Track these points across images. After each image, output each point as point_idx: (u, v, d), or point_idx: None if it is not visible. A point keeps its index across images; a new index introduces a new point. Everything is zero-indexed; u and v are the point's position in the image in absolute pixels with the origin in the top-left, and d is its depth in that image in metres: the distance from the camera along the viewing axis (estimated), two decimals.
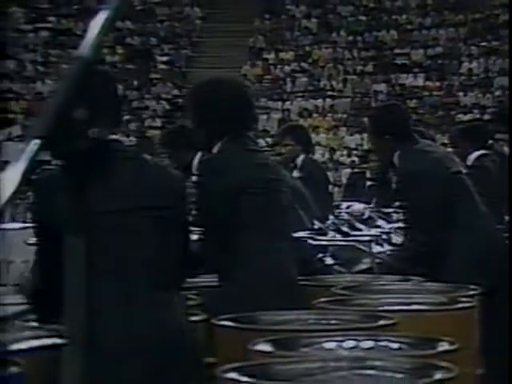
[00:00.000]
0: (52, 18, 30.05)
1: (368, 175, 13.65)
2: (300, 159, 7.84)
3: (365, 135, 26.88)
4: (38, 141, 1.50)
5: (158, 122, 26.94)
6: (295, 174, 7.58)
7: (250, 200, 4.05)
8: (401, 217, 6.30)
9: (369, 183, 12.82)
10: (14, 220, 13.80)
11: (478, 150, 7.20)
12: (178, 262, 3.21)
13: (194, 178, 4.34)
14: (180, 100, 27.34)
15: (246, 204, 4.03)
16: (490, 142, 7.64)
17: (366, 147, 21.89)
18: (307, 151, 8.10)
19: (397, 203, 7.02)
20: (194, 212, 4.09)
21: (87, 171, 1.59)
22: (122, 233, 2.95)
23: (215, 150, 4.15)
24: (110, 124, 2.71)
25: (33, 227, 2.89)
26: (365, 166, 14.14)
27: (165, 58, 30.11)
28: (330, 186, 12.60)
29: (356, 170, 16.11)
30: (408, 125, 5.58)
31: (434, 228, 5.32)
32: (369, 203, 9.26)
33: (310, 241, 5.55)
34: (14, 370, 2.57)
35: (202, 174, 4.22)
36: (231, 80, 4.69)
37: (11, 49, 28.94)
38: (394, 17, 30.76)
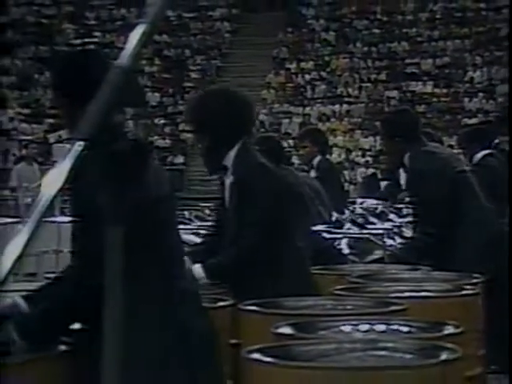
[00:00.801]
0: (97, 33, 30.17)
1: (379, 175, 13.60)
2: (316, 160, 7.84)
3: (378, 137, 26.85)
4: (81, 143, 1.50)
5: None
6: (312, 173, 7.59)
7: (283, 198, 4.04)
8: (411, 212, 6.29)
9: (383, 182, 12.80)
10: (63, 213, 13.82)
11: (484, 149, 7.18)
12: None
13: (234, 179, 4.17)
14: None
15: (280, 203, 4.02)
16: (495, 142, 7.64)
17: (378, 148, 21.83)
18: (323, 152, 8.11)
19: (407, 199, 7.01)
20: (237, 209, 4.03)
21: (125, 169, 1.60)
22: (155, 219, 2.92)
23: (231, 157, 4.05)
24: (143, 126, 2.72)
25: (75, 219, 2.87)
26: (377, 165, 14.08)
27: (197, 68, 30.15)
28: (346, 184, 12.60)
29: (370, 170, 16.06)
30: (417, 128, 5.57)
31: (442, 222, 5.32)
32: (381, 199, 9.24)
33: (328, 233, 5.55)
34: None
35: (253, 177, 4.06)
36: (228, 89, 4.54)
37: None
38: (404, 30, 30.68)
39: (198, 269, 3.94)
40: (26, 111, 28.87)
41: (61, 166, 1.51)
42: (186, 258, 3.27)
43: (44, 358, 2.71)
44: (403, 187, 6.44)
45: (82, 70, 3.09)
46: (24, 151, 23.20)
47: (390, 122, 5.72)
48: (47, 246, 10.47)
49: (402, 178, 6.66)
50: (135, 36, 1.53)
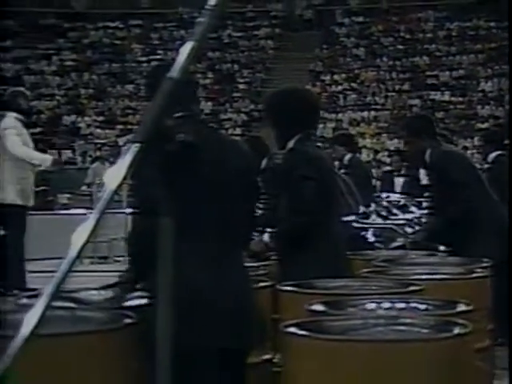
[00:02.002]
0: (160, 52, 30.34)
1: (402, 171, 13.50)
2: (347, 158, 7.83)
3: (402, 140, 26.68)
4: (138, 144, 1.50)
5: (238, 131, 27.02)
6: (342, 170, 7.58)
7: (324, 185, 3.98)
8: (429, 204, 6.23)
9: (403, 178, 12.71)
10: (129, 205, 13.93)
11: (497, 150, 7.14)
12: (248, 227, 3.14)
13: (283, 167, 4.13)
14: (255, 113, 27.41)
15: (323, 189, 3.95)
16: (505, 143, 7.60)
17: (402, 149, 21.70)
18: (353, 152, 8.12)
19: (426, 193, 6.95)
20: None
21: (176, 166, 1.60)
22: (204, 204, 2.89)
23: (290, 146, 4.02)
24: (192, 130, 2.69)
25: (135, 207, 2.87)
26: (399, 164, 13.98)
27: (244, 80, 30.19)
28: (373, 180, 12.53)
29: (393, 168, 15.95)
30: (434, 130, 5.56)
31: (457, 212, 5.27)
32: (403, 193, 9.19)
33: (356, 223, 5.52)
34: None
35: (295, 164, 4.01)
36: (301, 89, 4.57)
37: (131, 75, 29.31)
38: (425, 46, 30.50)
39: (265, 235, 3.98)
40: (100, 118, 29.13)
41: (121, 164, 1.51)
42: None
43: (111, 329, 2.70)
44: (423, 182, 6.38)
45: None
46: (98, 152, 23.41)
47: (411, 125, 5.72)
48: (116, 234, 10.54)
49: (422, 174, 6.62)
50: (185, 51, 1.53)
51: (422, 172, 6.83)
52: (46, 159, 8.03)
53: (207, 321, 2.79)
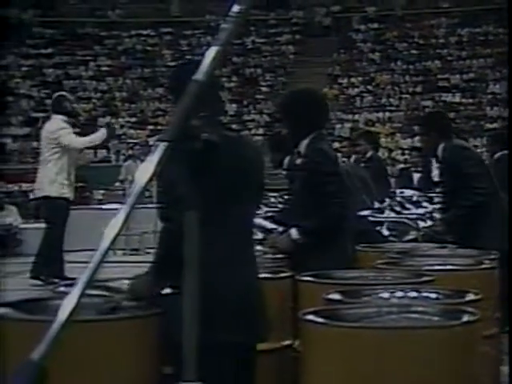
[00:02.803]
0: (189, 56, 30.40)
1: (414, 168, 13.42)
2: (369, 155, 7.80)
3: (415, 139, 26.61)
4: (165, 143, 1.50)
5: (261, 131, 27.02)
6: (362, 165, 7.53)
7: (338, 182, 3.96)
8: (441, 199, 6.17)
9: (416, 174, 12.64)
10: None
11: (502, 149, 7.10)
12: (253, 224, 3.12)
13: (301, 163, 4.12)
14: (277, 114, 27.38)
15: (336, 186, 3.93)
16: None
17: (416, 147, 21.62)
18: (376, 149, 8.12)
19: (437, 189, 6.90)
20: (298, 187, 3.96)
21: (201, 163, 1.60)
22: (224, 202, 2.87)
23: (304, 144, 4.00)
24: (215, 129, 2.67)
25: (162, 203, 2.86)
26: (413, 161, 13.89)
27: (267, 84, 30.17)
28: (388, 177, 12.48)
29: (407, 165, 15.89)
30: (448, 126, 5.53)
31: (467, 205, 5.22)
32: (416, 189, 9.14)
33: (371, 217, 5.50)
34: None
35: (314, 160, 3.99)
36: (310, 91, 4.52)
37: (161, 79, 29.40)
38: (437, 50, 30.34)
39: (293, 231, 3.94)
40: (133, 120, 29.24)
41: (150, 161, 1.51)
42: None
43: (139, 316, 2.70)
44: (434, 178, 6.33)
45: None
46: (131, 151, 23.50)
47: (426, 121, 5.72)
48: (147, 228, 10.59)
49: (434, 168, 6.57)
50: (209, 56, 1.53)
51: (435, 168, 6.79)
52: (102, 133, 8.19)
53: (219, 315, 2.76)
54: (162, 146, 1.50)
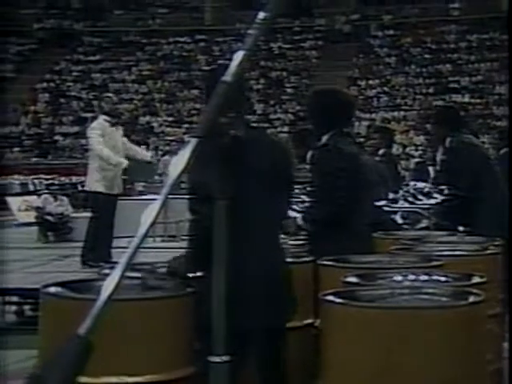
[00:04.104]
0: (221, 61, 30.43)
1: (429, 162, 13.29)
2: (381, 152, 7.72)
3: (428, 136, 26.46)
4: (196, 139, 1.50)
5: (286, 128, 26.98)
6: (377, 158, 7.45)
7: (354, 177, 3.91)
8: (448, 191, 6.07)
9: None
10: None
11: (507, 146, 7.01)
12: (282, 213, 3.12)
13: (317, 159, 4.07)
14: (301, 113, 27.33)
15: (353, 181, 3.88)
16: None
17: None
18: (389, 146, 7.99)
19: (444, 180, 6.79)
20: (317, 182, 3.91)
21: (229, 157, 1.59)
22: (251, 192, 2.86)
23: (323, 139, 3.94)
24: (242, 126, 2.67)
25: (192, 194, 2.86)
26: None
27: (291, 86, 30.10)
28: (403, 171, 12.39)
29: (422, 159, 15.76)
30: (459, 120, 5.41)
31: (469, 187, 5.11)
32: (427, 182, 9.05)
33: (387, 207, 5.45)
34: None
35: (325, 157, 3.93)
36: (336, 90, 4.46)
37: (196, 82, 29.44)
38: (448, 55, 30.06)
39: (299, 218, 3.94)
40: (170, 119, 29.33)
41: (182, 155, 1.51)
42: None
43: (174, 296, 2.71)
44: (438, 167, 6.22)
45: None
46: (168, 147, 23.62)
47: (438, 114, 5.64)
48: (183, 216, 10.60)
49: (438, 156, 6.44)
50: (236, 59, 1.52)
51: (439, 157, 6.68)
52: (120, 163, 7.92)
53: (251, 297, 2.77)
54: (194, 141, 1.49)
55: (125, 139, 8.09)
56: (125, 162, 7.94)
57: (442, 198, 5.60)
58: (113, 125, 7.86)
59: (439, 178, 5.74)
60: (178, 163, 1.49)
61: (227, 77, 1.50)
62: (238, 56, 1.52)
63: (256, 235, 2.87)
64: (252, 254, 2.83)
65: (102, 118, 7.87)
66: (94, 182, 7.77)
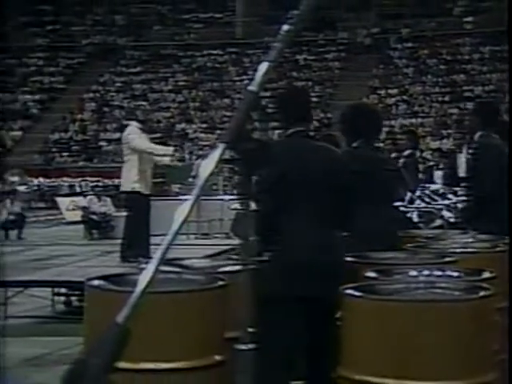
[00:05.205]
0: (250, 72, 30.46)
1: (441, 166, 13.14)
2: (406, 153, 7.66)
3: (444, 140, 26.23)
4: (224, 144, 1.50)
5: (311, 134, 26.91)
6: (401, 161, 7.39)
7: (373, 179, 3.90)
8: (465, 192, 5.92)
9: (442, 171, 12.40)
10: (225, 192, 14.06)
11: None
12: (342, 213, 3.17)
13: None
14: (325, 120, 27.26)
15: (372, 182, 3.87)
16: None
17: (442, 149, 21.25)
18: (414, 148, 7.95)
19: (462, 184, 6.68)
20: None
21: (254, 160, 1.59)
22: (303, 193, 3.04)
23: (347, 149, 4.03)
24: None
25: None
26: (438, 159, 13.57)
27: (316, 94, 30.01)
28: (420, 174, 12.28)
29: (430, 164, 15.59)
30: (494, 117, 5.10)
31: (489, 189, 4.92)
32: (443, 183, 8.98)
33: (404, 207, 5.41)
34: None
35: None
36: (368, 104, 4.56)
37: (227, 91, 29.49)
38: (463, 66, 29.78)
39: None
40: (203, 125, 29.43)
41: (211, 158, 1.51)
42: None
43: (206, 289, 2.70)
44: (460, 174, 6.08)
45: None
46: (201, 152, 23.70)
47: (479, 106, 5.44)
48: (214, 216, 10.66)
49: (461, 163, 6.26)
50: (261, 70, 1.52)
51: (461, 164, 6.54)
52: (166, 149, 8.23)
53: (313, 275, 2.96)
54: (221, 146, 1.50)
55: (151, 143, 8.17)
56: (170, 149, 8.26)
57: (463, 197, 5.46)
58: (143, 131, 7.92)
59: (467, 173, 5.48)
60: (206, 166, 1.49)
61: (252, 86, 1.50)
62: (263, 67, 1.52)
63: (302, 225, 3.03)
64: (314, 238, 3.03)
65: (134, 124, 7.92)
66: (128, 183, 7.83)
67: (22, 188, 20.75)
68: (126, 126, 8.11)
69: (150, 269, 1.42)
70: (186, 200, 1.44)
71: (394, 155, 8.04)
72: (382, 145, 20.48)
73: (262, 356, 1.74)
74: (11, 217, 14.42)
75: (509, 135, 4.71)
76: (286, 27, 1.50)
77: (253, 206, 1.68)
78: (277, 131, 3.32)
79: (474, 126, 5.10)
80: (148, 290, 1.39)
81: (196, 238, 11.00)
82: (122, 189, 8.09)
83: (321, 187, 3.06)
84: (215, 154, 1.50)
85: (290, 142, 3.21)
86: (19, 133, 30.05)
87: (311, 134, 3.38)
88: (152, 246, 7.72)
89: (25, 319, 6.77)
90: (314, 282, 2.97)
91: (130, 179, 7.79)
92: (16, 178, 22.26)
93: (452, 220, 5.49)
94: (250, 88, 1.48)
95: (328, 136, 6.17)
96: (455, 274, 2.94)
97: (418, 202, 5.82)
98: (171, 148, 8.44)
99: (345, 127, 4.14)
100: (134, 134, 7.79)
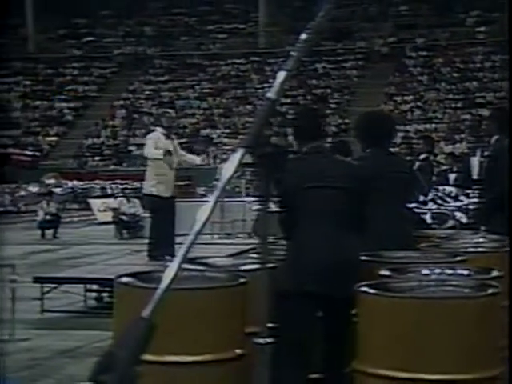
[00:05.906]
0: (272, 80, 30.38)
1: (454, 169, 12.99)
2: (422, 157, 7.61)
3: (457, 145, 26.00)
4: (243, 149, 1.50)
5: (329, 139, 26.82)
6: (417, 164, 7.32)
7: (386, 182, 3.87)
8: (478, 193, 5.83)
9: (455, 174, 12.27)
10: (247, 194, 14.03)
11: None
12: (358, 216, 3.18)
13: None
14: (343, 126, 27.17)
15: (385, 184, 3.84)
16: None
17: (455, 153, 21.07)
18: (430, 152, 7.91)
19: (475, 186, 6.60)
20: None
21: (271, 165, 1.59)
22: (316, 200, 3.10)
23: (361, 155, 4.02)
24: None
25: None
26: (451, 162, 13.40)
27: (335, 101, 29.94)
28: (434, 177, 12.17)
29: (444, 167, 15.42)
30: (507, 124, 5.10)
31: (504, 192, 4.82)
32: (455, 186, 8.89)
33: (417, 209, 5.37)
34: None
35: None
36: (382, 112, 4.56)
37: (250, 98, 29.50)
38: (475, 73, 29.52)
39: None
40: (227, 131, 29.49)
41: (231, 161, 1.51)
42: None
43: (227, 286, 2.71)
44: (474, 177, 5.98)
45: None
46: (225, 156, 23.70)
47: (493, 112, 5.44)
48: (237, 216, 10.66)
49: (475, 166, 6.16)
50: (279, 78, 1.52)
51: (475, 167, 6.45)
52: (194, 159, 8.35)
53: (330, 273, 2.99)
54: (241, 150, 1.50)
55: (178, 147, 8.11)
56: (198, 159, 8.34)
57: (474, 199, 5.40)
58: (168, 137, 7.90)
59: (480, 175, 5.40)
60: (227, 169, 1.50)
61: (271, 94, 1.50)
62: (281, 75, 1.52)
63: (326, 233, 3.09)
64: (328, 246, 3.06)
65: (159, 130, 7.92)
66: (149, 187, 7.83)
67: (57, 190, 20.96)
68: (153, 131, 8.11)
69: (173, 266, 1.42)
70: (208, 201, 1.44)
71: (409, 159, 7.96)
72: (397, 149, 20.37)
73: (281, 350, 1.74)
74: (47, 217, 14.58)
75: (509, 135, 4.65)
76: (303, 37, 1.50)
77: (272, 207, 1.69)
78: (295, 147, 3.38)
79: (491, 131, 5.07)
80: (172, 286, 1.39)
81: (219, 238, 11.01)
82: (143, 192, 8.13)
83: (338, 195, 3.11)
84: (235, 158, 1.50)
85: (306, 157, 3.27)
86: (55, 138, 30.37)
87: (326, 145, 3.42)
88: (177, 245, 7.75)
89: (59, 314, 6.84)
90: (331, 280, 2.98)
91: (149, 183, 7.80)
92: (52, 181, 22.50)
93: (464, 221, 5.43)
94: (269, 95, 1.48)
95: (340, 142, 6.15)
96: (465, 272, 2.92)
97: (431, 203, 5.78)
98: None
99: (359, 133, 4.15)
100: (150, 140, 7.79)
